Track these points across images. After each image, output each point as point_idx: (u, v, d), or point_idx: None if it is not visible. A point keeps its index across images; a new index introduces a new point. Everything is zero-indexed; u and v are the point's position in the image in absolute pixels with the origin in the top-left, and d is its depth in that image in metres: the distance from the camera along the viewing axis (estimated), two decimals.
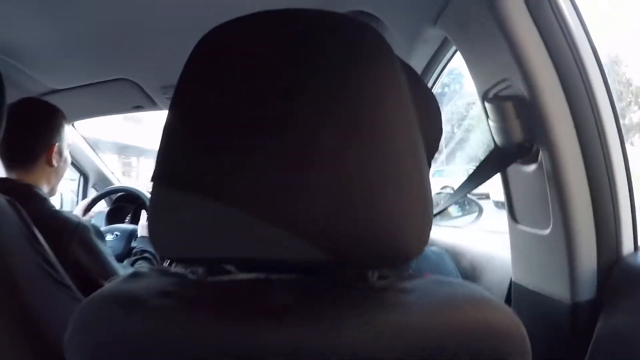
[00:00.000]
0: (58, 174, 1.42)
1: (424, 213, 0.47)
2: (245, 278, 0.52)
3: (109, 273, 1.29)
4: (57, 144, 1.36)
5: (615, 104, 0.88)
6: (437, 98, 0.70)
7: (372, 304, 0.47)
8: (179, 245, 0.47)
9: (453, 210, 2.02)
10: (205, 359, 0.45)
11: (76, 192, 2.67)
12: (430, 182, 0.54)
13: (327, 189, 0.43)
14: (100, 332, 0.49)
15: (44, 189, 1.36)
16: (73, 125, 2.26)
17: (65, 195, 2.59)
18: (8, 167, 1.31)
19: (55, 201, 2.18)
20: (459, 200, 2.03)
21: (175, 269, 0.55)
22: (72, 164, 2.39)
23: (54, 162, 1.36)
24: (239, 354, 0.44)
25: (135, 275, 0.54)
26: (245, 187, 0.44)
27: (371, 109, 0.45)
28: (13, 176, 1.31)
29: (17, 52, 1.39)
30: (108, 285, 0.53)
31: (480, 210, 1.86)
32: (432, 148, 0.66)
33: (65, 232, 1.24)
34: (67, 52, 1.43)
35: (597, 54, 0.86)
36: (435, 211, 1.22)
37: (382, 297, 0.48)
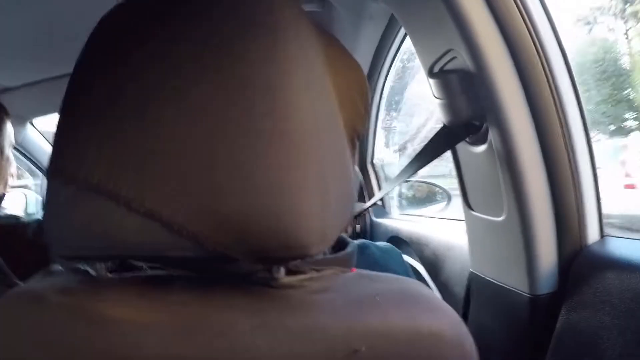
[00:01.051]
0: (1, 176, 1.32)
1: (330, 201, 0.40)
2: (147, 275, 0.48)
3: None
4: None
5: (575, 76, 0.80)
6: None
7: (272, 305, 0.41)
8: (66, 242, 0.43)
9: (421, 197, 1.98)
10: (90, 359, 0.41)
11: (39, 192, 2.59)
12: (351, 165, 0.47)
13: (207, 178, 0.37)
14: (3, 331, 0.46)
15: None
16: (31, 123, 2.19)
17: (30, 195, 2.51)
18: None
19: (19, 202, 2.11)
20: (429, 189, 1.99)
21: (81, 265, 0.51)
22: (34, 163, 2.33)
23: None
24: (124, 356, 0.40)
25: (47, 272, 0.52)
26: (120, 179, 0.39)
27: (260, 77, 0.39)
28: None
29: None
30: (21, 285, 0.50)
31: (449, 198, 1.81)
32: (354, 124, 0.58)
33: (8, 237, 1.16)
34: (17, 47, 1.38)
35: (552, 18, 0.78)
36: (377, 198, 1.16)
37: (286, 296, 0.42)
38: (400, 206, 1.93)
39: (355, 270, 0.47)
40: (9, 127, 1.30)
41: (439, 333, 0.41)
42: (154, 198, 0.38)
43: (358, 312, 0.40)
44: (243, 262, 0.47)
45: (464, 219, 1.00)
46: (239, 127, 0.37)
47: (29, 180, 2.84)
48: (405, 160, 1.44)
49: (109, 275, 0.47)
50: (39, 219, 1.35)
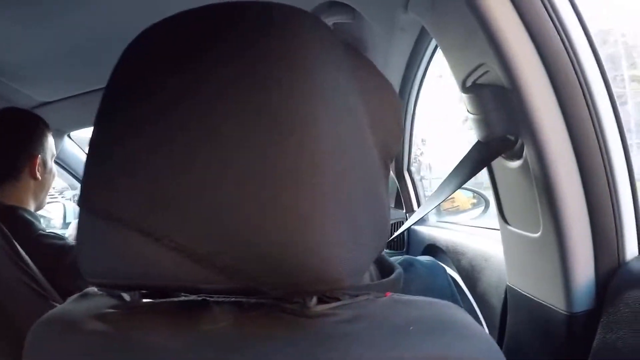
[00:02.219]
0: (44, 187, 1.36)
1: (362, 232, 0.40)
2: (181, 300, 0.48)
3: None
4: (40, 155, 1.29)
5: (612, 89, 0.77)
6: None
7: (305, 335, 0.41)
8: (98, 270, 0.44)
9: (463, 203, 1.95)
10: None
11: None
12: (383, 189, 0.47)
13: (237, 212, 0.37)
14: (40, 354, 0.48)
15: (31, 206, 1.30)
16: (69, 136, 2.24)
17: (68, 205, 2.57)
18: None
19: (58, 212, 2.17)
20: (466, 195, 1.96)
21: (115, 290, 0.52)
22: (72, 175, 2.38)
23: (38, 175, 1.29)
24: None
25: (83, 295, 0.53)
26: (149, 214, 0.39)
27: (290, 112, 0.39)
28: None
29: (3, 67, 1.36)
30: (57, 307, 0.52)
31: (487, 205, 1.78)
32: (387, 146, 0.57)
33: (52, 257, 1.18)
34: (55, 64, 1.41)
35: (588, 30, 0.76)
36: (413, 221, 1.15)
37: (319, 326, 0.41)
38: (437, 213, 1.90)
39: (389, 295, 0.46)
40: (50, 140, 1.34)
41: None
42: (186, 234, 0.38)
43: (390, 343, 0.40)
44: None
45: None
46: (269, 163, 0.37)
47: (67, 191, 2.92)
48: None
49: (143, 301, 0.48)
50: None
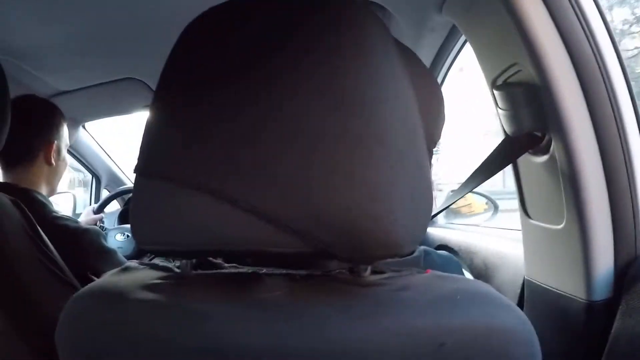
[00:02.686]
0: (57, 174, 1.40)
1: (418, 203, 0.44)
2: (232, 272, 0.51)
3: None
4: (55, 142, 1.34)
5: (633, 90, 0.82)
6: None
7: (361, 301, 0.44)
8: (157, 237, 0.46)
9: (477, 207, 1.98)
10: (183, 354, 0.44)
11: (89, 192, 2.68)
12: (430, 171, 0.51)
13: (310, 179, 0.41)
14: (84, 326, 0.49)
15: (44, 190, 1.34)
16: (84, 126, 2.27)
17: (78, 196, 2.60)
18: (6, 167, 1.30)
19: (68, 203, 2.20)
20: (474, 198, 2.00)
21: (163, 262, 0.54)
22: (84, 165, 2.41)
23: (53, 161, 1.34)
24: (219, 349, 0.43)
25: (125, 269, 0.54)
26: (225, 178, 0.42)
27: (359, 88, 0.43)
28: (11, 178, 1.29)
29: (24, 54, 1.38)
30: (98, 280, 0.53)
31: (496, 208, 1.82)
32: (433, 135, 0.62)
33: (66, 238, 1.21)
34: (74, 53, 1.43)
35: (613, 35, 0.81)
36: (440, 208, 1.19)
37: (373, 294, 0.45)
38: (446, 215, 1.94)
39: (430, 272, 0.50)
40: (65, 130, 1.39)
41: (511, 329, 0.44)
42: (260, 197, 0.41)
43: (441, 310, 0.43)
44: (329, 262, 0.50)
45: (514, 228, 1.02)
46: (337, 133, 0.41)
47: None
48: None
49: (193, 272, 0.50)
50: (94, 227, 1.39)
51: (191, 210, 0.43)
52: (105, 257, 1.31)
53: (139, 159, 0.48)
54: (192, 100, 0.45)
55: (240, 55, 0.45)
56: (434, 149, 0.66)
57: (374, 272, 0.47)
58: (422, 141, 0.48)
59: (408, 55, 0.55)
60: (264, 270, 0.49)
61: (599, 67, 0.79)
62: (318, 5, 0.46)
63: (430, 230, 1.84)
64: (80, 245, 1.26)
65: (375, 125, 0.42)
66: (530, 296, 1.01)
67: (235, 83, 0.44)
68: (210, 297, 0.46)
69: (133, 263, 0.55)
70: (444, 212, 1.94)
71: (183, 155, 0.44)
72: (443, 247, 1.64)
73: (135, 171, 0.48)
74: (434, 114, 0.62)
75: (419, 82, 0.54)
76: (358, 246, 0.42)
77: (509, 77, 0.88)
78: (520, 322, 0.45)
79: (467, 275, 1.41)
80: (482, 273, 1.32)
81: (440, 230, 1.78)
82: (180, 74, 0.48)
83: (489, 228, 1.62)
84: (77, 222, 1.33)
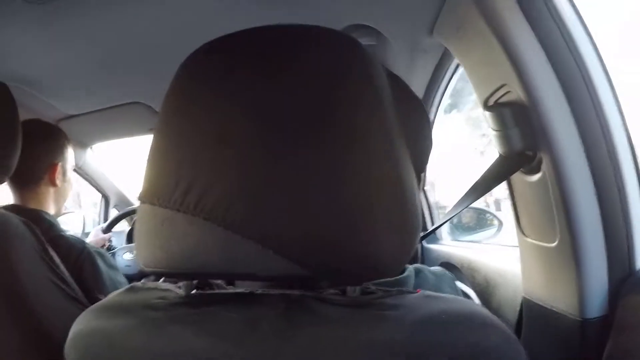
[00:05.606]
0: (63, 194, 1.43)
1: (403, 227, 0.46)
2: (229, 292, 0.54)
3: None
4: (60, 164, 1.37)
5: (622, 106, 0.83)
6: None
7: (350, 320, 0.46)
8: (159, 260, 0.49)
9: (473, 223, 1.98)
10: None
11: (98, 213, 2.72)
12: (418, 196, 0.52)
13: (299, 208, 0.44)
14: (91, 341, 0.51)
15: (51, 210, 1.37)
16: (92, 148, 2.30)
17: (88, 216, 2.63)
18: (14, 190, 1.33)
19: (77, 223, 2.23)
20: (480, 215, 2.00)
21: (165, 284, 0.57)
22: (94, 186, 2.45)
23: (58, 182, 1.36)
24: None
25: (130, 288, 0.57)
26: (224, 205, 0.45)
27: (345, 119, 0.46)
28: (19, 200, 1.32)
29: (32, 80, 1.41)
30: (105, 299, 0.56)
31: (500, 225, 1.82)
32: (420, 160, 0.64)
33: (71, 256, 1.24)
34: (81, 78, 1.46)
35: (600, 54, 0.82)
36: (435, 226, 1.19)
37: (362, 313, 0.46)
38: (451, 232, 1.94)
39: (420, 291, 0.51)
40: (70, 152, 1.42)
41: (496, 348, 0.45)
42: (254, 224, 0.44)
43: (426, 328, 0.44)
44: (321, 283, 0.52)
45: (516, 245, 1.03)
46: (324, 165, 0.44)
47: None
48: None
49: (193, 292, 0.53)
50: (99, 250, 1.42)
51: (190, 235, 0.46)
52: (108, 278, 1.33)
53: (143, 185, 0.50)
54: (188, 130, 0.48)
55: (231, 87, 0.47)
56: (422, 174, 0.67)
57: (364, 293, 0.49)
58: (408, 167, 0.50)
59: (394, 82, 0.56)
60: (260, 291, 0.51)
61: (587, 87, 0.81)
62: (306, 40, 0.49)
63: (435, 247, 1.84)
64: (88, 267, 1.28)
65: (360, 154, 0.45)
66: (527, 314, 1.02)
67: (227, 113, 0.47)
68: (209, 315, 0.49)
69: (138, 284, 0.58)
70: (449, 229, 1.95)
71: (182, 181, 0.47)
72: (446, 264, 1.64)
73: (138, 198, 0.51)
74: (421, 140, 0.63)
75: (408, 111, 0.56)
76: (344, 269, 0.44)
77: (499, 98, 0.90)
78: (506, 341, 0.46)
79: (463, 288, 1.41)
80: (484, 290, 1.32)
81: (444, 247, 1.79)
82: (179, 103, 0.51)
83: (491, 245, 1.61)
84: (83, 242, 1.35)
